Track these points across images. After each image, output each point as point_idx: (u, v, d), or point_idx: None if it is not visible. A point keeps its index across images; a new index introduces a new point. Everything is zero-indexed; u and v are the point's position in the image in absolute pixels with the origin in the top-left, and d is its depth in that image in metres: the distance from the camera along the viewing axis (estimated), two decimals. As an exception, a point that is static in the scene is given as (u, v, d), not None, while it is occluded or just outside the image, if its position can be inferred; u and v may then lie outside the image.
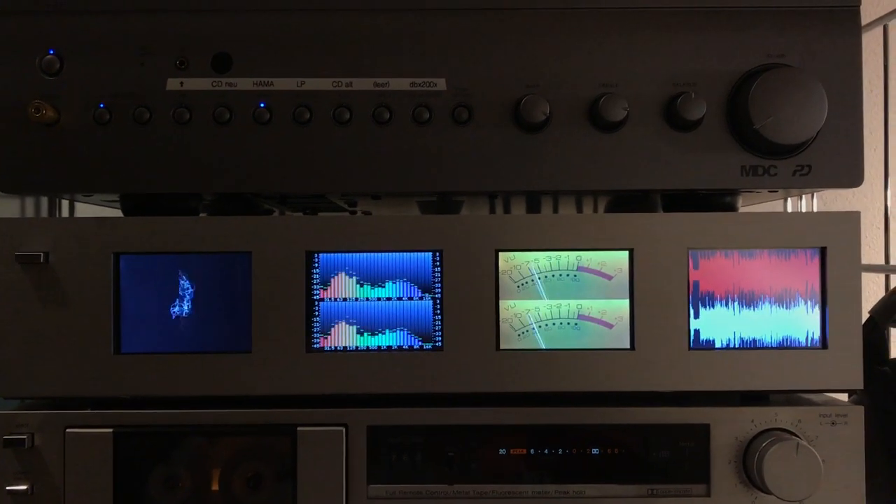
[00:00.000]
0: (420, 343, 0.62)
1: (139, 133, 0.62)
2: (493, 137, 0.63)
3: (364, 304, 0.62)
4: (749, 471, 0.61)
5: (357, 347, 0.62)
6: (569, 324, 0.62)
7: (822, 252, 0.62)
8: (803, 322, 0.62)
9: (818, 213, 0.66)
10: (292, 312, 0.62)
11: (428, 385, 0.62)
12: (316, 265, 0.62)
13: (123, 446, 0.61)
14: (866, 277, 1.10)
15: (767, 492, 0.59)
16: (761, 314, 0.62)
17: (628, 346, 0.62)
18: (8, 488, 0.61)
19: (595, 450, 0.62)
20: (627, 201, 0.76)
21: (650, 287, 0.62)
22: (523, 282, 0.62)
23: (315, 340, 0.62)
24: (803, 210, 1.04)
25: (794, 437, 0.60)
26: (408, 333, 0.62)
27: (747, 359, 0.62)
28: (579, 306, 0.62)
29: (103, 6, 0.62)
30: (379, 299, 0.62)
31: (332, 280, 0.62)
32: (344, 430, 0.62)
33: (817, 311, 0.62)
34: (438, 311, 0.62)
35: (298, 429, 0.61)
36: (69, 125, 0.62)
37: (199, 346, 0.62)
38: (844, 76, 0.62)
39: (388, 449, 0.62)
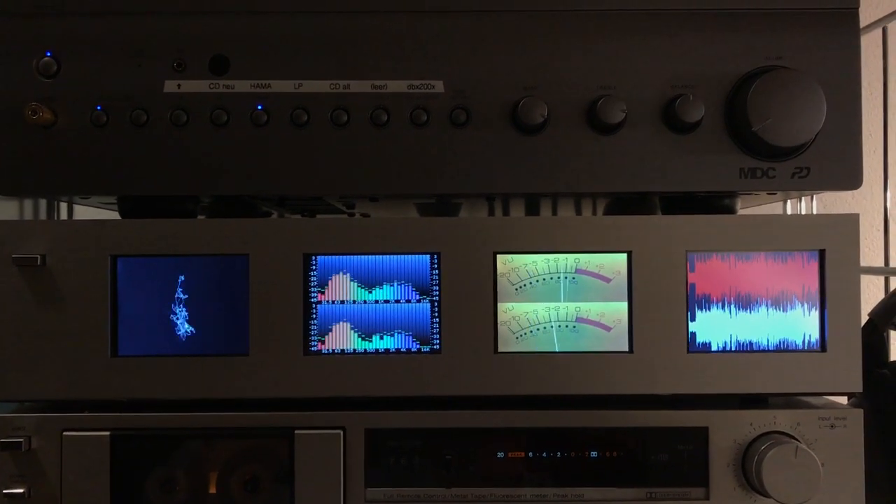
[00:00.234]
0: (418, 346, 0.62)
1: (136, 135, 0.62)
2: (491, 140, 0.62)
3: (362, 306, 0.62)
4: (748, 474, 0.60)
5: (355, 350, 0.62)
6: (567, 326, 0.62)
7: (821, 254, 0.62)
8: (802, 325, 0.62)
9: (817, 215, 0.65)
10: (290, 315, 0.62)
11: (426, 388, 0.62)
12: (313, 268, 0.62)
13: (121, 449, 0.61)
14: (866, 280, 1.09)
15: (766, 495, 0.59)
16: (759, 317, 0.62)
17: (627, 349, 0.62)
18: (5, 491, 0.60)
19: (594, 453, 0.62)
20: (626, 204, 0.76)
21: (648, 290, 0.62)
22: (521, 284, 0.62)
23: (313, 343, 0.62)
24: (803, 212, 1.04)
25: (793, 440, 0.60)
26: (406, 336, 0.62)
27: (746, 362, 0.62)
28: (578, 309, 0.62)
29: (100, 8, 0.62)
30: (377, 302, 0.62)
31: (330, 282, 0.62)
32: (342, 433, 0.61)
33: (816, 313, 0.62)
34: (436, 314, 0.62)
35: (296, 432, 0.61)
36: (66, 127, 0.62)
37: (197, 349, 0.62)
38: (843, 78, 0.62)
39: (386, 452, 0.62)
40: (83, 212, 0.91)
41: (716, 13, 0.63)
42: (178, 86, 0.62)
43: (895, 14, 0.90)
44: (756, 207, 0.88)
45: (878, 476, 0.69)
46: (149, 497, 0.61)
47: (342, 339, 0.62)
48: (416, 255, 0.62)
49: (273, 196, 0.67)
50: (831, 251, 0.62)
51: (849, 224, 0.62)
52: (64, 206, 0.97)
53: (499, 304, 0.62)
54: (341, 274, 0.62)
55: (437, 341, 0.62)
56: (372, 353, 0.62)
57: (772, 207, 1.02)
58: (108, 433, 0.61)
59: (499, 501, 0.62)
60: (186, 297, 0.62)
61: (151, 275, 0.62)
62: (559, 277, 0.62)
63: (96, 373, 0.61)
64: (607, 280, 0.62)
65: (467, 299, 0.62)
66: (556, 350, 0.62)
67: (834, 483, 0.61)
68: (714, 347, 0.62)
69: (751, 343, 0.62)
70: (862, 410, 0.61)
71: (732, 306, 0.62)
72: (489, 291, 0.62)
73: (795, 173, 0.63)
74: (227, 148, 0.62)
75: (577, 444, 0.62)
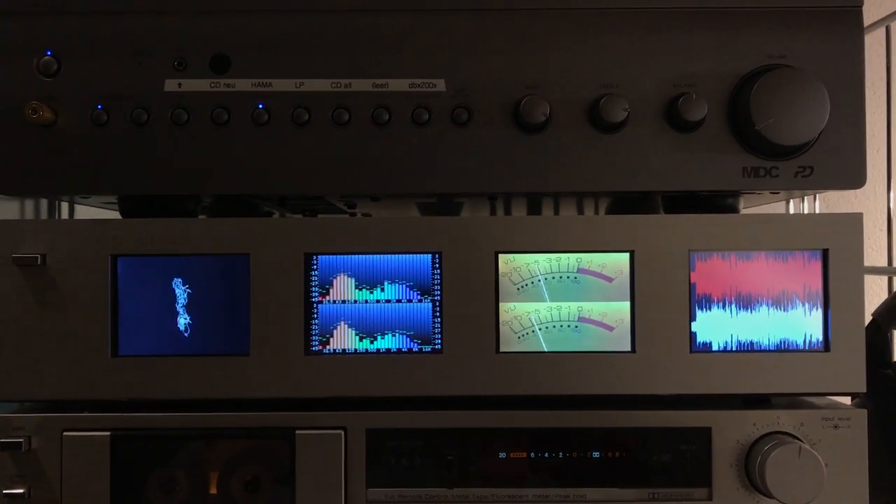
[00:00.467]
0: (419, 346, 0.62)
1: (137, 134, 0.62)
2: (493, 139, 0.62)
3: (363, 306, 0.62)
4: (751, 474, 0.60)
5: (356, 350, 0.62)
6: (569, 326, 0.62)
7: (824, 254, 0.61)
8: (805, 325, 0.62)
9: (820, 214, 0.65)
10: (291, 315, 0.61)
11: (427, 388, 0.61)
12: (314, 267, 0.62)
13: (121, 449, 0.61)
14: (869, 279, 1.09)
15: (769, 496, 0.59)
16: (762, 317, 0.62)
17: (629, 349, 0.61)
18: (5, 492, 0.60)
19: (596, 453, 0.62)
20: (629, 203, 0.75)
21: (651, 289, 0.61)
22: (523, 284, 0.62)
23: (314, 343, 0.62)
24: (806, 212, 1.04)
25: (796, 440, 0.60)
26: (407, 336, 0.62)
27: (749, 362, 0.61)
28: (580, 309, 0.62)
29: (101, 7, 0.62)
30: (378, 302, 0.62)
31: (331, 282, 0.62)
32: (343, 433, 0.61)
33: (819, 313, 0.62)
34: (438, 314, 0.62)
35: (297, 432, 0.61)
36: (66, 126, 0.62)
37: (198, 349, 0.62)
38: (846, 77, 0.62)
39: (388, 452, 0.61)
40: (84, 211, 0.91)
41: (719, 11, 0.62)
42: (179, 85, 0.62)
43: (899, 13, 0.90)
44: (759, 207, 0.88)
45: (882, 477, 0.68)
46: (149, 497, 0.61)
47: (343, 339, 0.62)
48: (418, 255, 0.62)
49: (274, 195, 0.67)
50: (835, 251, 0.61)
51: (852, 223, 0.62)
52: (65, 206, 0.97)
53: (500, 304, 0.62)
54: (342, 274, 0.62)
55: (439, 341, 0.62)
56: (373, 353, 0.62)
57: (774, 207, 1.01)
58: (108, 433, 0.61)
59: (501, 502, 0.61)
60: (187, 296, 0.62)
61: (152, 274, 0.62)
62: (561, 277, 0.62)
63: (97, 373, 0.61)
64: (609, 280, 0.62)
65: (469, 299, 0.61)
66: (558, 350, 0.62)
67: (837, 484, 0.60)
68: (716, 347, 0.62)
69: (754, 343, 0.62)
70: (865, 411, 0.61)
71: (735, 306, 0.62)
72: (491, 291, 0.62)
73: (798, 172, 0.62)
74: (228, 147, 0.62)
75: (579, 444, 0.62)
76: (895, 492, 0.69)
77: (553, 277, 0.62)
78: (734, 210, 0.68)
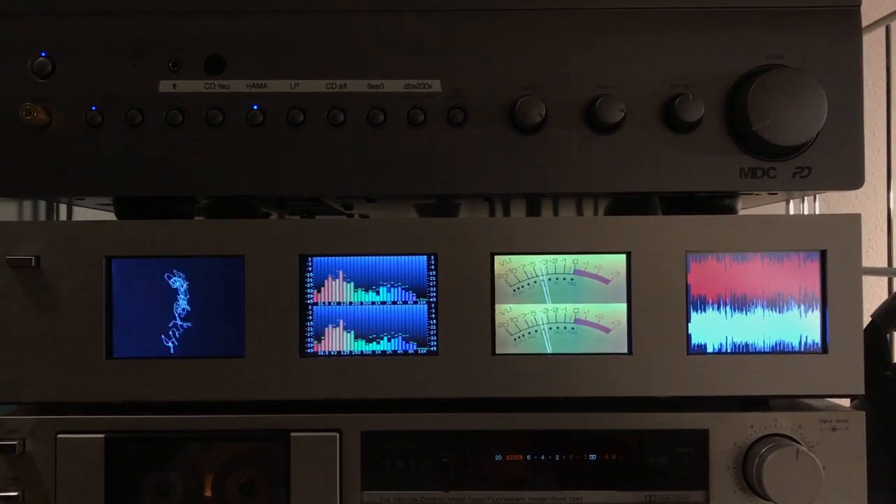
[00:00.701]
0: (415, 348, 0.62)
1: (131, 136, 0.62)
2: (489, 139, 0.62)
3: (358, 308, 0.62)
4: (748, 477, 0.60)
5: (351, 352, 0.62)
6: (565, 328, 0.62)
7: (822, 255, 0.61)
8: (803, 326, 0.61)
9: (818, 215, 0.65)
10: (286, 317, 0.61)
11: (423, 390, 0.61)
12: (309, 269, 0.62)
13: (115, 452, 0.61)
14: (869, 280, 1.09)
15: (767, 498, 0.58)
16: (759, 318, 0.61)
17: (626, 351, 0.61)
18: (-1, 494, 0.60)
19: (592, 456, 0.61)
20: (627, 204, 0.75)
21: (648, 291, 0.61)
22: (519, 286, 0.62)
23: (309, 345, 0.62)
24: (806, 213, 1.03)
25: (794, 442, 0.59)
26: (402, 338, 0.62)
27: (746, 363, 0.61)
28: (576, 310, 0.62)
29: (95, 8, 0.62)
30: (373, 303, 0.62)
31: (326, 284, 0.62)
32: (338, 435, 0.61)
33: (817, 315, 0.61)
34: (433, 316, 0.62)
35: (292, 434, 0.61)
36: (61, 128, 0.62)
37: (192, 351, 0.62)
38: (844, 77, 0.62)
39: (383, 455, 0.61)
40: (82, 213, 0.91)
41: (716, 11, 0.62)
42: (174, 86, 0.62)
43: (899, 12, 0.89)
44: (759, 208, 0.87)
45: (881, 479, 0.68)
46: (144, 500, 0.61)
47: (338, 340, 0.62)
48: (413, 256, 0.62)
49: (269, 197, 0.67)
50: (833, 252, 0.61)
51: (850, 224, 0.61)
52: (63, 208, 0.97)
53: (496, 306, 0.61)
54: (337, 275, 0.62)
55: (434, 343, 0.61)
56: (368, 354, 0.62)
57: (775, 208, 1.01)
58: (102, 436, 0.61)
59: (496, 505, 0.61)
60: (181, 298, 0.62)
61: (146, 276, 0.62)
62: (557, 278, 0.62)
63: (91, 375, 0.61)
64: (606, 281, 0.62)
65: (464, 301, 0.61)
66: (555, 352, 0.61)
67: (835, 487, 0.60)
68: (714, 349, 0.61)
69: (751, 345, 0.61)
70: (864, 413, 0.61)
71: (732, 307, 0.61)
72: (487, 293, 0.61)
73: (796, 173, 0.62)
74: (223, 148, 0.62)
75: (575, 446, 0.61)
76: (894, 495, 0.69)
77: (549, 279, 0.62)
78: (732, 211, 0.67)
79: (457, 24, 0.62)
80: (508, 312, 0.62)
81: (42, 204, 0.95)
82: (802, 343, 0.61)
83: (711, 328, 0.61)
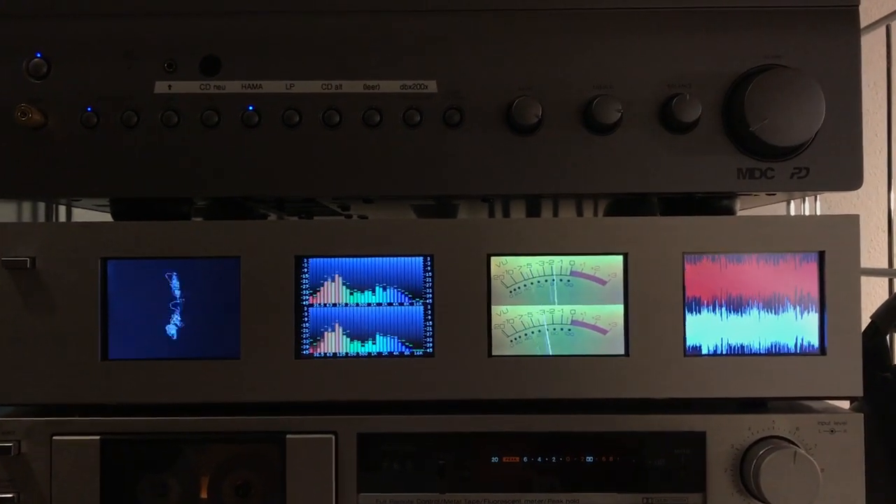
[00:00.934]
0: (411, 349, 0.61)
1: (127, 137, 0.62)
2: (485, 140, 0.62)
3: (354, 309, 0.62)
4: (746, 479, 0.59)
5: (347, 354, 0.61)
6: (562, 329, 0.61)
7: (821, 256, 0.61)
8: (801, 328, 0.61)
9: (816, 216, 0.65)
10: (281, 318, 0.61)
11: (419, 392, 0.61)
12: (305, 270, 0.61)
13: (111, 453, 0.61)
14: (870, 281, 1.08)
15: (764, 501, 0.58)
16: (756, 320, 0.61)
17: (623, 353, 0.61)
18: (-6, 496, 0.60)
19: (589, 458, 0.61)
20: (626, 205, 0.75)
21: (645, 292, 0.61)
22: (516, 287, 0.61)
23: (304, 347, 0.61)
24: (807, 213, 1.03)
25: (791, 445, 0.59)
26: (398, 340, 0.61)
27: (744, 365, 0.61)
28: (573, 312, 0.61)
29: (91, 9, 0.62)
30: (369, 305, 0.62)
31: (322, 285, 0.61)
32: (334, 437, 0.61)
33: (815, 316, 0.61)
34: (429, 317, 0.61)
35: (287, 436, 0.61)
36: (56, 129, 0.62)
37: (188, 353, 0.61)
38: (843, 77, 0.61)
39: (379, 457, 0.61)
40: (80, 214, 0.90)
41: (713, 11, 0.62)
42: (169, 87, 0.62)
43: (899, 12, 0.89)
44: (758, 209, 0.87)
45: (879, 482, 0.67)
46: (140, 502, 0.61)
47: (334, 342, 0.61)
48: (409, 258, 0.61)
49: (264, 198, 0.66)
50: (831, 253, 0.61)
51: (849, 225, 0.61)
52: (62, 209, 0.97)
53: (493, 307, 0.61)
54: (333, 277, 0.61)
55: (431, 345, 0.61)
56: (364, 356, 0.61)
57: (775, 209, 1.00)
58: (98, 437, 0.61)
59: (493, 507, 0.61)
60: (177, 300, 0.62)
61: (142, 277, 0.62)
62: (554, 280, 0.61)
63: (86, 376, 0.61)
64: (603, 282, 0.61)
65: (461, 302, 0.61)
66: (551, 354, 0.61)
67: (833, 489, 0.59)
68: (711, 351, 0.61)
69: (748, 346, 0.61)
70: (862, 415, 0.60)
71: (729, 309, 0.61)
72: (483, 294, 0.61)
73: (794, 173, 0.62)
74: (218, 149, 0.62)
75: (572, 448, 0.61)
76: (893, 498, 0.68)
77: (546, 280, 0.61)
78: (730, 212, 0.67)
79: (452, 25, 0.62)
80: (505, 314, 0.61)
81: (41, 205, 0.95)
82: (800, 344, 0.61)
83: (709, 330, 0.61)
